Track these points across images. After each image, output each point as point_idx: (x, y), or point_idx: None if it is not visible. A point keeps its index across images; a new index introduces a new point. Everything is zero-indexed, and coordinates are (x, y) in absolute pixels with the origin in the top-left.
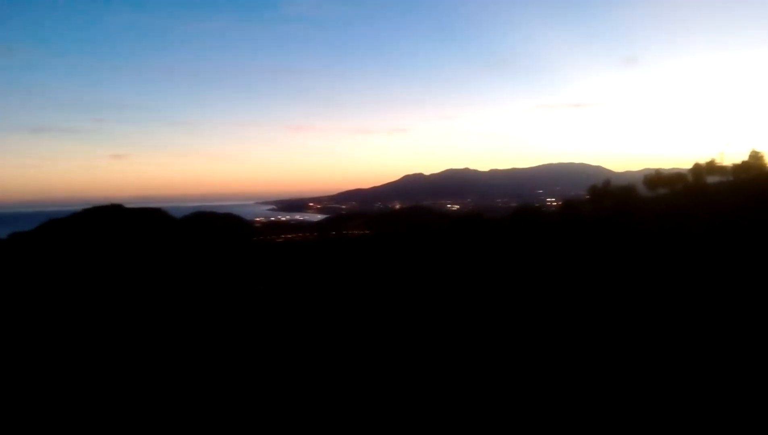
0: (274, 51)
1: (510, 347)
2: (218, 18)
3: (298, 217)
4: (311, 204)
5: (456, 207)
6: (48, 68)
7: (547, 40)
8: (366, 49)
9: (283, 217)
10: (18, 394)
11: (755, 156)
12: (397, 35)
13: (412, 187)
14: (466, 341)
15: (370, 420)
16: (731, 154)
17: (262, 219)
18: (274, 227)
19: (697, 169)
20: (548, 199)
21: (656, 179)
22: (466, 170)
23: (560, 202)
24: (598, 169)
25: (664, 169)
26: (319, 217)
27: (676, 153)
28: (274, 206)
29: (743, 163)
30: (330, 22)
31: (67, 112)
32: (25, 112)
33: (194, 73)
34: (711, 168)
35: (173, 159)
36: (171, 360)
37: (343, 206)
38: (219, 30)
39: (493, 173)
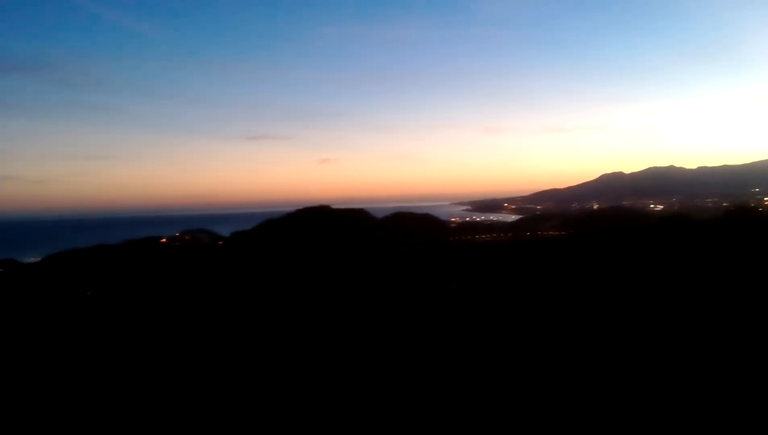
0: (468, 53)
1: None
2: (415, 25)
3: (492, 217)
4: (506, 204)
5: (659, 207)
6: (264, 80)
7: (759, 24)
8: (559, 46)
9: (478, 218)
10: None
11: None
12: (591, 29)
13: (610, 186)
14: (672, 354)
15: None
16: None
17: (457, 219)
18: (469, 227)
19: None
20: (766, 199)
21: None
22: (671, 168)
23: None
24: None
25: None
26: (513, 217)
27: None
28: (469, 207)
29: None
30: (522, 21)
31: (280, 121)
32: (244, 121)
33: (394, 79)
34: None
35: (376, 162)
36: (371, 351)
37: (538, 207)
38: (416, 36)
39: (701, 171)
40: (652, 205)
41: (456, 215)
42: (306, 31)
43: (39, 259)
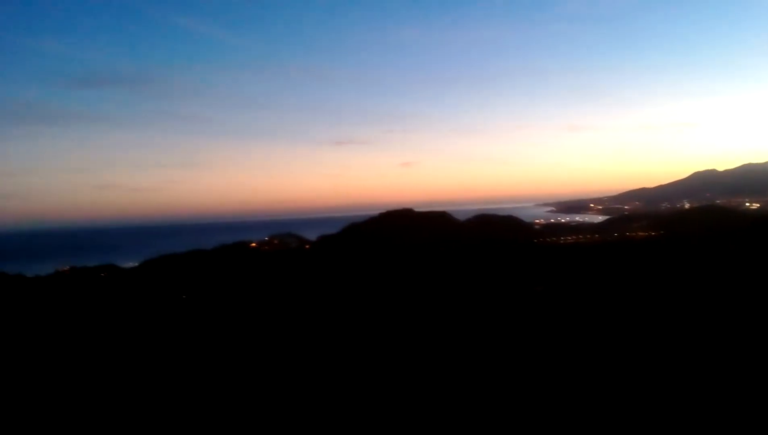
0: (550, 51)
1: None
2: (494, 25)
3: (578, 218)
4: (592, 205)
5: (756, 206)
6: (347, 85)
7: None
8: (644, 41)
9: (563, 219)
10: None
11: None
12: (678, 22)
13: (703, 184)
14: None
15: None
16: None
17: (541, 221)
18: (553, 229)
19: None
20: None
21: None
22: None
23: None
24: None
25: None
26: (600, 218)
27: None
28: (554, 208)
29: None
30: (605, 16)
31: (362, 125)
32: (328, 127)
33: (475, 80)
34: None
35: (458, 164)
36: (457, 353)
37: (626, 207)
38: (495, 36)
39: None
40: (747, 204)
41: (540, 217)
42: (386, 35)
43: (137, 263)
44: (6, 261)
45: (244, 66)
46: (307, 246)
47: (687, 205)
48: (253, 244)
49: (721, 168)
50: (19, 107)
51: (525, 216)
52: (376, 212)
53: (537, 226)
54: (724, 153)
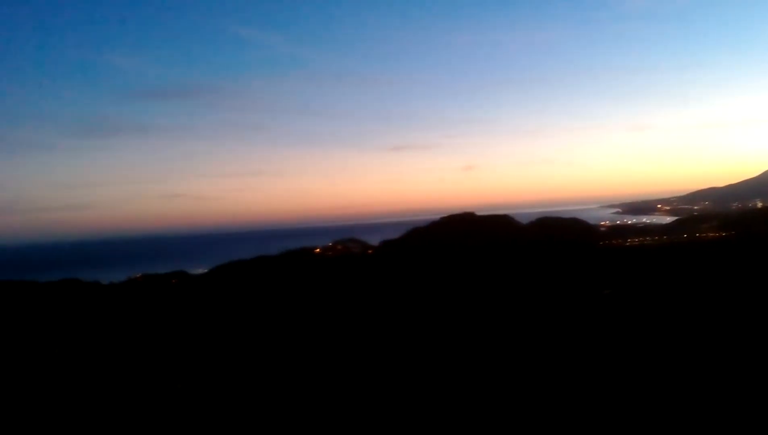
0: (611, 51)
1: None
2: (553, 26)
3: (645, 219)
4: (659, 205)
5: None
6: (405, 91)
7: None
8: (709, 37)
9: (629, 221)
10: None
11: None
12: (745, 17)
13: None
14: None
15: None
16: None
17: (606, 223)
18: (619, 231)
19: None
20: None
21: None
22: None
23: None
24: None
25: None
26: (668, 219)
27: None
28: (619, 209)
29: None
30: (668, 14)
31: (422, 130)
32: (387, 133)
33: (534, 82)
34: None
35: (519, 167)
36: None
37: (695, 207)
38: (555, 37)
39: None
40: None
41: (605, 219)
42: (443, 40)
43: (206, 270)
44: (83, 269)
45: (304, 75)
46: (370, 251)
47: (759, 204)
48: (317, 250)
49: None
50: (93, 120)
51: (589, 218)
52: (437, 216)
53: (602, 229)
54: None
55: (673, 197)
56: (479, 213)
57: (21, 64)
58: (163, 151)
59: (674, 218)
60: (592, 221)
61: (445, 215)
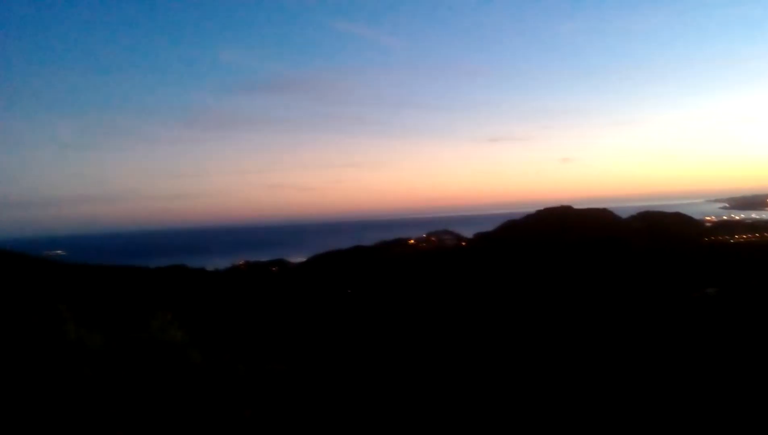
0: (716, 37)
1: None
2: (655, 13)
3: (754, 215)
4: None
5: None
6: (502, 81)
7: None
8: None
9: (737, 216)
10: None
11: None
12: None
13: None
14: None
15: None
16: None
17: (712, 218)
18: (726, 227)
19: None
20: None
21: None
22: None
23: None
24: None
25: None
26: None
27: None
28: (726, 204)
29: None
30: None
31: (519, 121)
32: (484, 124)
33: (635, 71)
34: None
35: (619, 159)
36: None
37: None
38: (657, 25)
39: None
40: None
41: (711, 213)
42: (542, 29)
43: (305, 259)
44: (189, 256)
45: (402, 67)
46: (464, 243)
47: None
48: (411, 241)
49: None
50: (201, 113)
51: (694, 213)
52: (533, 209)
53: (708, 224)
54: None
55: None
56: (577, 206)
57: (135, 60)
58: (265, 143)
59: None
60: (696, 216)
61: (542, 208)
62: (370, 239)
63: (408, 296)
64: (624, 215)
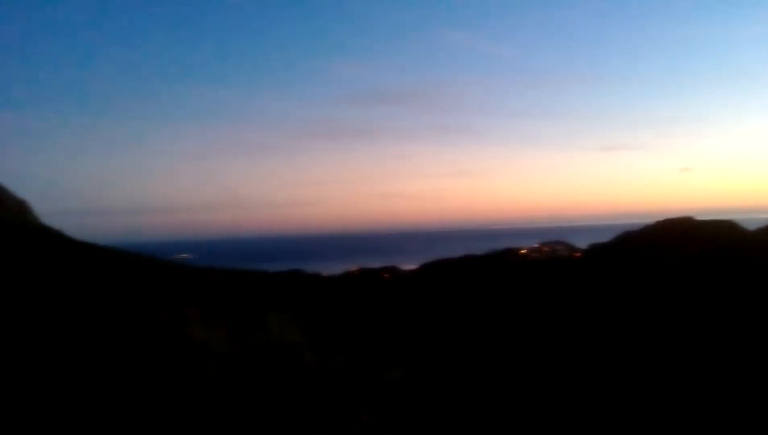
0: None
1: None
2: None
3: None
4: None
5: None
6: (617, 89)
7: None
8: None
9: None
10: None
11: None
12: None
13: None
14: None
15: None
16: None
17: None
18: None
19: None
20: None
21: None
22: None
23: None
24: None
25: None
26: None
27: None
28: None
29: None
30: None
31: (635, 130)
32: (597, 133)
33: (745, 78)
34: None
35: (743, 167)
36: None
37: None
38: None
39: None
40: None
41: None
42: (659, 35)
43: (416, 266)
44: (305, 261)
45: (513, 76)
46: (578, 254)
47: None
48: (523, 251)
49: None
50: (314, 124)
51: None
52: (652, 220)
53: None
54: None
55: None
56: (698, 217)
57: (260, 75)
58: (379, 153)
59: None
60: None
61: (661, 219)
62: (480, 248)
63: (521, 306)
64: (752, 227)
